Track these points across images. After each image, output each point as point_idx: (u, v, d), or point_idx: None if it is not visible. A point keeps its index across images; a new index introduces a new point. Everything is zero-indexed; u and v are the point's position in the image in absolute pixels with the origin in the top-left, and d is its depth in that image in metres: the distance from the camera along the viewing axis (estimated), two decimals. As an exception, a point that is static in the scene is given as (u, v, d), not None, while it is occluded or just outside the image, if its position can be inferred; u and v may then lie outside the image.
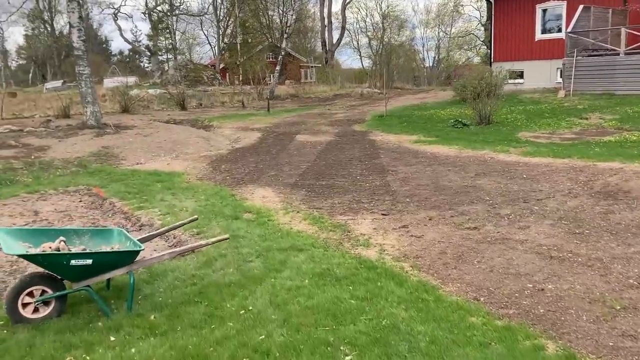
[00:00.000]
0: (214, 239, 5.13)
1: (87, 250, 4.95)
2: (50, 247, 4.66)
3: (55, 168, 12.45)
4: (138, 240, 5.36)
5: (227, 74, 44.77)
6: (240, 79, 32.71)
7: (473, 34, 54.22)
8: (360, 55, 56.81)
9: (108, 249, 5.02)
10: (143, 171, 11.35)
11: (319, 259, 5.79)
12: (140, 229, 7.54)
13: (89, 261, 4.47)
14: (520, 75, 26.35)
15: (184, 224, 5.82)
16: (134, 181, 10.32)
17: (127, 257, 4.69)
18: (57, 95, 28.47)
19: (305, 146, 14.57)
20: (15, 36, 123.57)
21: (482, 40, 50.59)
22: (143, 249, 4.75)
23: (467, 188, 9.00)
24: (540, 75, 24.97)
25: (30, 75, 63.75)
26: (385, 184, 9.61)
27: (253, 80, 36.22)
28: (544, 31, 25.75)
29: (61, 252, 4.52)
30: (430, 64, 63.42)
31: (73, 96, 34.33)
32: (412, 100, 27.10)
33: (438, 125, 17.50)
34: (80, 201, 9.14)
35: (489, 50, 46.87)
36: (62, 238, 4.80)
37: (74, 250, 4.83)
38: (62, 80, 43.63)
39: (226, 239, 5.17)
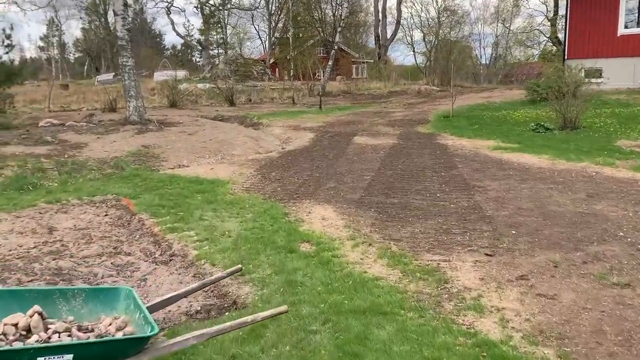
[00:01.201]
0: (267, 313, 3.32)
1: (77, 323, 3.26)
2: (12, 325, 2.97)
3: (88, 169, 11.03)
4: (157, 303, 3.65)
5: (277, 69, 43.31)
6: (291, 74, 31.05)
7: (538, 29, 50.75)
8: (414, 51, 54.28)
9: (109, 321, 3.30)
10: (183, 177, 9.73)
11: (415, 336, 3.90)
12: (170, 261, 5.85)
13: (68, 357, 2.75)
14: (599, 73, 23.56)
15: (221, 278, 4.04)
16: (170, 190, 8.69)
17: (130, 346, 2.95)
18: (105, 88, 27.58)
19: (365, 150, 12.67)
20: (73, 29, 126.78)
21: (547, 36, 47.24)
22: (156, 333, 2.99)
23: (586, 216, 6.90)
24: (623, 74, 22.17)
25: (86, 67, 64.27)
26: (475, 205, 7.62)
27: (304, 76, 34.53)
28: (628, 26, 22.90)
29: (17, 347, 2.80)
30: (487, 61, 60.28)
31: (121, 89, 33.68)
32: (477, 99, 24.73)
33: (516, 129, 15.25)
34: (106, 215, 7.56)
35: (555, 47, 43.62)
36: (37, 309, 3.10)
37: (57, 324, 3.14)
38: (113, 73, 43.20)
39: (284, 312, 3.35)
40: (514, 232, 6.39)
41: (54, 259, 5.85)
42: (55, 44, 65.76)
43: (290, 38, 34.45)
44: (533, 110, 18.39)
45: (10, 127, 17.14)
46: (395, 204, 7.84)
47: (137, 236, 6.71)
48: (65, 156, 11.94)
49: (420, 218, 7.10)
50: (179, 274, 5.48)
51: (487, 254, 5.66)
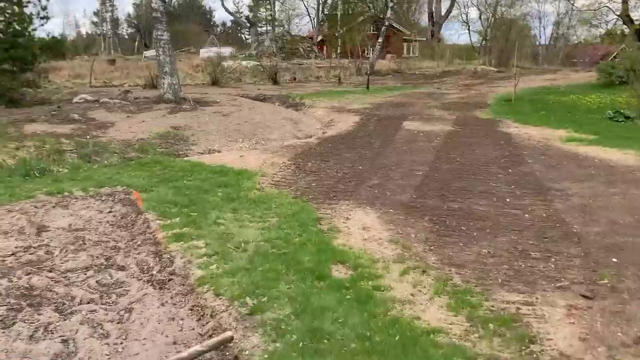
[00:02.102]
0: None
1: None
2: None
3: (110, 152, 9.98)
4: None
5: (325, 47, 41.62)
6: (338, 52, 29.42)
7: (607, 6, 46.76)
8: (469, 29, 51.26)
9: None
10: (206, 166, 8.47)
11: None
12: (167, 281, 4.60)
13: None
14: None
15: (202, 352, 2.71)
16: (189, 183, 7.45)
17: None
18: (146, 64, 26.79)
19: (416, 138, 11.10)
20: (125, 5, 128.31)
21: (617, 14, 43.41)
22: None
23: None
24: None
25: (136, 43, 64.27)
26: (556, 216, 6.02)
27: (352, 54, 32.80)
28: None
29: None
30: (547, 41, 56.56)
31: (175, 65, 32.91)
32: (539, 81, 22.51)
33: (589, 117, 13.28)
34: (110, 212, 6.39)
35: (625, 26, 40.03)
36: None
37: None
38: (160, 49, 42.59)
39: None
40: (615, 259, 4.80)
41: (28, 274, 4.69)
42: (107, 20, 66.10)
43: (339, 14, 32.68)
44: (607, 95, 16.23)
45: (44, 102, 16.42)
46: (455, 210, 6.33)
47: (138, 242, 5.49)
48: (88, 137, 10.93)
49: (487, 232, 5.58)
50: (174, 304, 4.21)
51: (584, 296, 4.12)
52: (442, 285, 4.35)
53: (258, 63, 28.24)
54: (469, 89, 21.48)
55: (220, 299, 4.10)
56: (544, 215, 6.10)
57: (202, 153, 10.51)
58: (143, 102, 15.20)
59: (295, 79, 27.53)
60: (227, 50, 36.85)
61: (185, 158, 9.25)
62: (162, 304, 4.19)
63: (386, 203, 6.62)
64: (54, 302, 4.26)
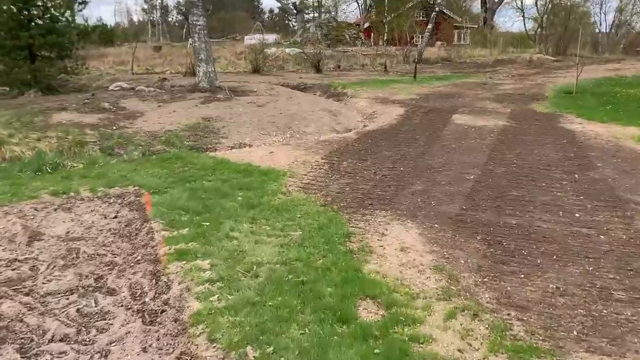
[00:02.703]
0: None
1: None
2: None
3: (135, 144, 9.36)
4: None
5: (372, 34, 40.29)
6: (385, 38, 28.17)
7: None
8: (523, 16, 48.68)
9: None
10: (231, 164, 7.65)
11: None
12: (159, 314, 3.79)
13: None
14: None
15: None
16: (209, 184, 6.65)
17: None
18: (188, 51, 26.33)
19: (467, 134, 9.95)
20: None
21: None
22: None
23: None
24: None
25: (184, 30, 64.56)
26: (643, 241, 4.88)
27: (399, 41, 31.41)
28: None
29: None
30: (607, 29, 53.13)
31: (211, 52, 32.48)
32: (602, 71, 20.65)
33: (666, 112, 11.73)
34: (115, 217, 5.66)
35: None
36: None
37: None
38: (205, 36, 42.34)
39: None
40: None
41: (0, 297, 3.99)
42: (157, 7, 66.60)
43: (387, 0, 31.34)
44: (684, 87, 14.49)
45: (82, 89, 16.09)
46: (513, 227, 5.26)
47: (138, 257, 4.72)
48: (114, 128, 10.34)
49: (554, 259, 4.52)
50: (158, 349, 3.38)
51: (698, 367, 3.04)
52: (499, 337, 3.35)
53: (301, 50, 27.32)
54: (524, 79, 19.89)
55: (214, 347, 3.25)
56: (624, 237, 4.96)
57: (231, 147, 9.74)
58: (178, 90, 14.59)
59: (339, 66, 26.48)
60: (271, 37, 36.14)
61: (210, 154, 8.47)
62: (145, 349, 3.37)
63: (430, 215, 5.61)
64: (20, 338, 3.52)
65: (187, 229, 5.14)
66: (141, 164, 7.73)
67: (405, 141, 9.44)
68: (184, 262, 4.43)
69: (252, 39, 34.80)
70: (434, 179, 6.96)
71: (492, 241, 4.93)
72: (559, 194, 6.33)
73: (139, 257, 4.75)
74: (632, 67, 21.84)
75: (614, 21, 53.14)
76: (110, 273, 4.46)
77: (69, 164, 7.60)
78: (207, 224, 5.26)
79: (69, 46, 15.67)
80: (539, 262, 4.49)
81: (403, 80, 19.97)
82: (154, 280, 4.28)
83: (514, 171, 7.35)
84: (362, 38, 37.64)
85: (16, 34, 14.29)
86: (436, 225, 5.32)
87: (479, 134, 9.88)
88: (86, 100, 13.25)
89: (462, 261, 4.52)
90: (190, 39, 44.71)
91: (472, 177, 7.04)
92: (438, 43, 37.61)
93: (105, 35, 42.29)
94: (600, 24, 53.26)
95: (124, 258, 4.75)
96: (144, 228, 5.32)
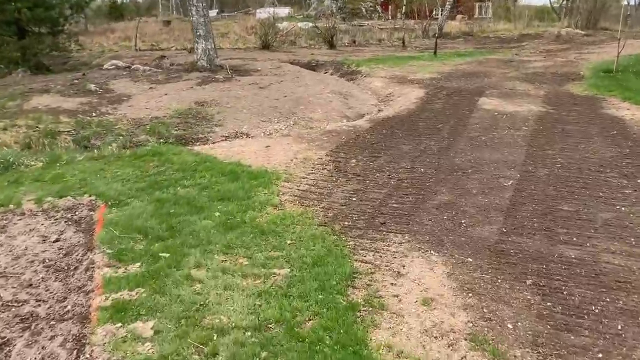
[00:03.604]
0: None
1: None
2: None
3: (115, 135, 8.10)
4: None
5: (389, 6, 38.22)
6: (403, 11, 26.35)
7: None
8: (549, -13, 45.88)
9: None
10: (216, 164, 6.31)
11: None
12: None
13: None
14: None
15: None
16: (183, 192, 5.34)
17: None
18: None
19: (497, 123, 8.47)
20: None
21: None
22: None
23: None
24: None
25: (198, 5, 62.74)
26: None
27: (418, 14, 29.51)
28: None
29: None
30: (636, 1, 50.17)
31: (221, 28, 30.88)
32: (638, 48, 18.72)
33: None
34: (57, 240, 4.40)
35: None
36: None
37: None
38: (217, 10, 40.70)
39: None
40: None
41: None
42: (171, -19, 64.67)
43: (406, -30, 29.29)
44: None
45: (76, 68, 14.83)
46: (573, 264, 3.88)
47: (67, 308, 3.46)
48: (94, 115, 9.07)
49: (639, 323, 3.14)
50: None
51: None
52: None
53: (314, 25, 25.64)
54: (554, 56, 18.10)
55: None
56: None
57: (225, 137, 8.42)
58: (175, 70, 13.24)
59: (354, 42, 24.78)
60: (283, 11, 34.43)
61: (195, 149, 7.13)
62: None
63: (461, 243, 4.24)
64: None
65: (138, 265, 3.85)
66: (111, 161, 6.43)
67: (425, 131, 8.00)
68: (119, 324, 3.15)
69: (264, 13, 33.13)
70: (463, 186, 5.56)
71: (549, 288, 3.56)
72: (623, 208, 4.90)
73: (68, 308, 3.49)
74: (673, 41, 19.84)
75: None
76: (22, 336, 3.21)
77: (26, 162, 6.34)
78: (167, 255, 3.97)
79: (60, 21, 14.36)
80: (619, 328, 3.13)
81: (422, 56, 18.32)
82: (74, 355, 3.02)
83: (560, 174, 5.91)
84: (380, 11, 35.69)
85: (1, 6, 13.01)
86: (470, 260, 3.96)
87: (512, 123, 8.40)
88: (75, 81, 12.01)
89: (510, 325, 3.17)
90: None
91: (509, 183, 5.62)
92: (459, 17, 35.50)
93: (115, 10, 40.94)
94: (630, -4, 50.37)
95: (50, 308, 3.50)
96: (85, 260, 4.04)
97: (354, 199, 5.26)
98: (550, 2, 46.16)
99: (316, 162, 6.48)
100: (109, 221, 4.58)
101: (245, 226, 4.51)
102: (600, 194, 5.30)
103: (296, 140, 7.55)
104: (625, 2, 51.06)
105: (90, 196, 5.21)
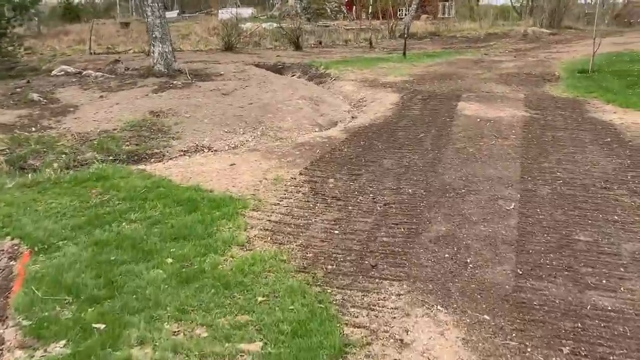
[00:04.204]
0: None
1: None
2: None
3: (57, 153, 7.06)
4: None
5: (354, 7, 37.55)
6: (370, 11, 25.65)
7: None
8: (509, -14, 46.10)
9: None
10: (172, 188, 5.35)
11: None
12: None
13: None
14: None
15: None
16: (128, 230, 4.37)
17: None
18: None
19: (482, 130, 7.75)
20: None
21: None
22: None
23: None
24: None
25: (158, 6, 60.81)
26: None
27: (384, 15, 28.89)
28: None
29: None
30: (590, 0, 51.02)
31: (182, 29, 29.55)
32: (608, 46, 18.37)
33: None
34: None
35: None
36: None
37: None
38: (177, 11, 39.23)
39: None
40: None
41: None
42: (129, -19, 62.53)
43: (370, -30, 28.69)
44: None
45: (21, 74, 13.49)
46: (611, 319, 3.12)
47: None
48: (34, 129, 7.95)
49: None
50: None
51: None
52: None
53: (279, 25, 24.68)
54: (524, 56, 17.68)
55: None
56: None
57: (184, 151, 7.46)
58: (130, 75, 12.12)
59: (320, 42, 23.95)
60: (247, 11, 33.34)
61: (147, 169, 6.13)
62: None
63: (472, 292, 3.44)
64: None
65: (62, 343, 2.90)
66: (46, 189, 5.39)
67: (407, 142, 7.21)
68: None
69: (227, 13, 31.97)
70: (460, 211, 4.77)
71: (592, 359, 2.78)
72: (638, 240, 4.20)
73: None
74: (639, 40, 19.74)
75: (600, -8, 50.98)
76: None
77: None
78: (102, 327, 3.03)
79: (2, 23, 13.03)
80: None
81: (392, 58, 17.62)
82: None
83: (564, 193, 5.19)
84: (344, 11, 34.98)
85: None
86: (487, 318, 3.16)
87: (498, 131, 7.70)
88: (17, 89, 10.79)
89: None
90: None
91: (511, 206, 4.87)
92: (423, 16, 35.10)
93: (70, 11, 38.98)
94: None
95: None
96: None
97: (336, 231, 4.41)
98: (511, 2, 46.43)
99: (289, 183, 5.60)
100: (32, 276, 3.60)
101: (204, 277, 3.60)
102: (615, 217, 4.60)
103: (265, 156, 6.65)
104: (587, 0, 51.79)
105: (13, 239, 4.19)
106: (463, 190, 5.29)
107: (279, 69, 15.64)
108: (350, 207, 4.93)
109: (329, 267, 3.79)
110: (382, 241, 4.20)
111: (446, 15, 41.22)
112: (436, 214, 4.71)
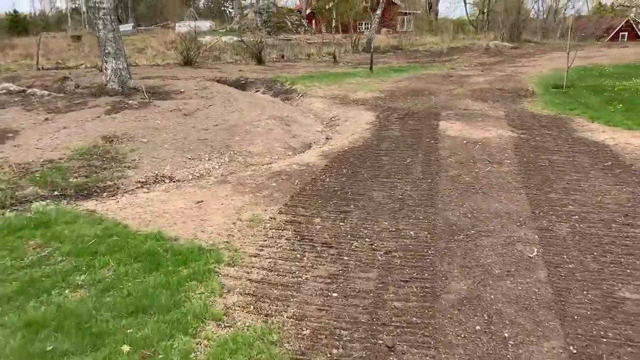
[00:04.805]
0: None
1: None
2: None
3: (-11, 189, 5.89)
4: None
5: (315, 21, 37.07)
6: (333, 25, 25.08)
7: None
8: (465, 2, 46.88)
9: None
10: (128, 236, 4.38)
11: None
12: None
13: None
14: None
15: None
16: (72, 302, 3.39)
17: None
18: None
19: (472, 154, 7.08)
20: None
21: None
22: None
23: None
24: None
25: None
26: None
27: (345, 29, 28.42)
28: None
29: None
30: (541, 15, 52.44)
31: (137, 42, 28.20)
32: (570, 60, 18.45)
33: (696, 114, 9.34)
34: None
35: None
36: None
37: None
38: (132, 24, 37.73)
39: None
40: None
41: None
42: (81, -7, 60.32)
43: (330, -16, 28.16)
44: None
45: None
46: None
47: None
48: (-38, 160, 6.77)
49: None
50: None
51: None
52: None
53: (240, 39, 23.77)
54: (490, 70, 17.39)
55: None
56: None
57: (142, 183, 6.46)
58: (80, 94, 10.94)
59: (283, 57, 23.18)
60: (205, 25, 32.26)
61: (97, 211, 5.13)
62: None
63: (523, 386, 2.64)
64: None
65: None
66: (-31, 242, 4.32)
67: (394, 169, 6.45)
68: None
69: (184, 27, 30.81)
70: (477, 260, 4.00)
71: None
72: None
73: None
74: (600, 54, 19.88)
75: (550, 7, 52.43)
76: None
77: None
78: None
79: None
80: None
81: (358, 73, 17.00)
82: None
83: (585, 232, 4.51)
84: (305, 25, 34.38)
85: None
86: None
87: (488, 154, 7.05)
88: (-52, 111, 9.46)
89: None
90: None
91: (534, 252, 4.13)
92: (384, 30, 34.94)
93: (16, 24, 36.93)
94: (532, 9, 52.52)
95: None
96: None
97: (335, 293, 3.56)
98: (467, 16, 47.06)
99: (269, 226, 4.71)
100: None
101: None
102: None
103: (237, 189, 5.74)
104: (533, 15, 52.77)
105: None
106: (472, 231, 4.53)
107: (242, 85, 14.76)
108: (345, 258, 4.09)
109: (334, 351, 2.94)
110: (393, 307, 3.38)
111: (405, 29, 41.28)
112: (450, 265, 3.93)
